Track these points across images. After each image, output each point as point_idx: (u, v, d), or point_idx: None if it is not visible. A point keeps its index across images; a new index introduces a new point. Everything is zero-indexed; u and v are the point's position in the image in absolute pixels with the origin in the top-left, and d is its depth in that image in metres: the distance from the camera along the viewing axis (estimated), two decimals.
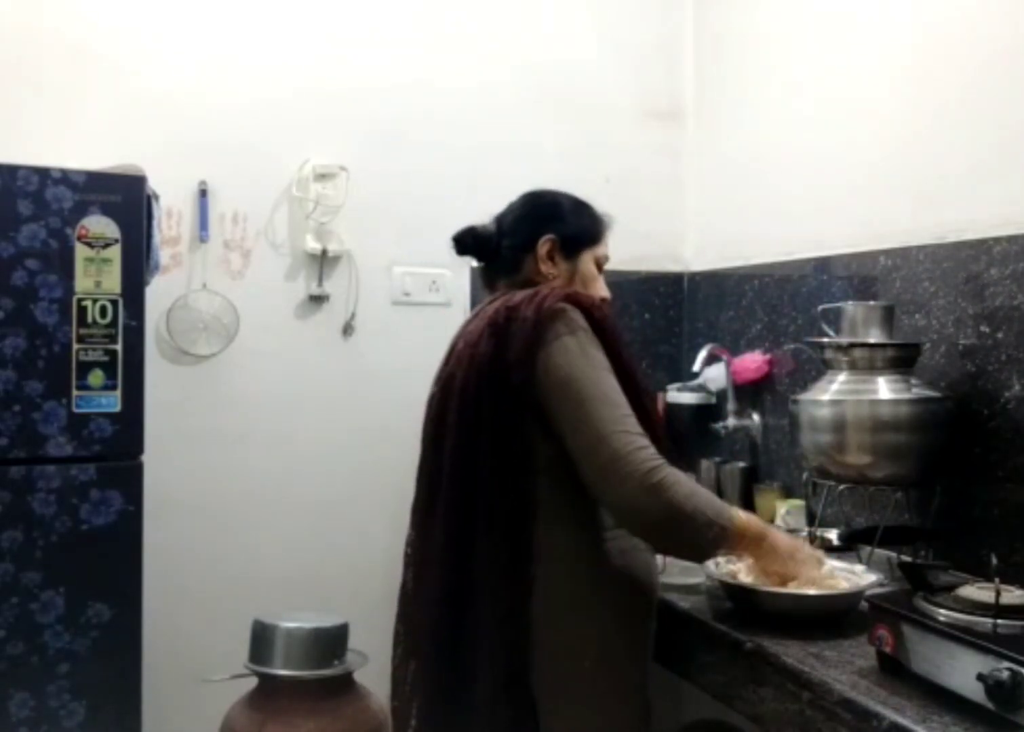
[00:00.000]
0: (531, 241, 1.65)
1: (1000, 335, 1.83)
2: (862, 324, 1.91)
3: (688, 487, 1.41)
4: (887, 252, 2.11)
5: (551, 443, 1.46)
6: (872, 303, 2.01)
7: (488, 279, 1.73)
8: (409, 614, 1.62)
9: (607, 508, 1.47)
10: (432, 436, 1.60)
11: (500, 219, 1.72)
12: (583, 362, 1.45)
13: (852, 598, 1.58)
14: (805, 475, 2.04)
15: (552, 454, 1.46)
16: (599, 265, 1.71)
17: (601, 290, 1.69)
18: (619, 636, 1.51)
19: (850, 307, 1.96)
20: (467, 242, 1.71)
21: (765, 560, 1.55)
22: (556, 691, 1.46)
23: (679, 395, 2.71)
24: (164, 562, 2.32)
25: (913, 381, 1.86)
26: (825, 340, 1.96)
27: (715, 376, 2.61)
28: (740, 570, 1.64)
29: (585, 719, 1.48)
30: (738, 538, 1.47)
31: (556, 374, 1.44)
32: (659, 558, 1.77)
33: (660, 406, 2.78)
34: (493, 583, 1.45)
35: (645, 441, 1.41)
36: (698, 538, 1.43)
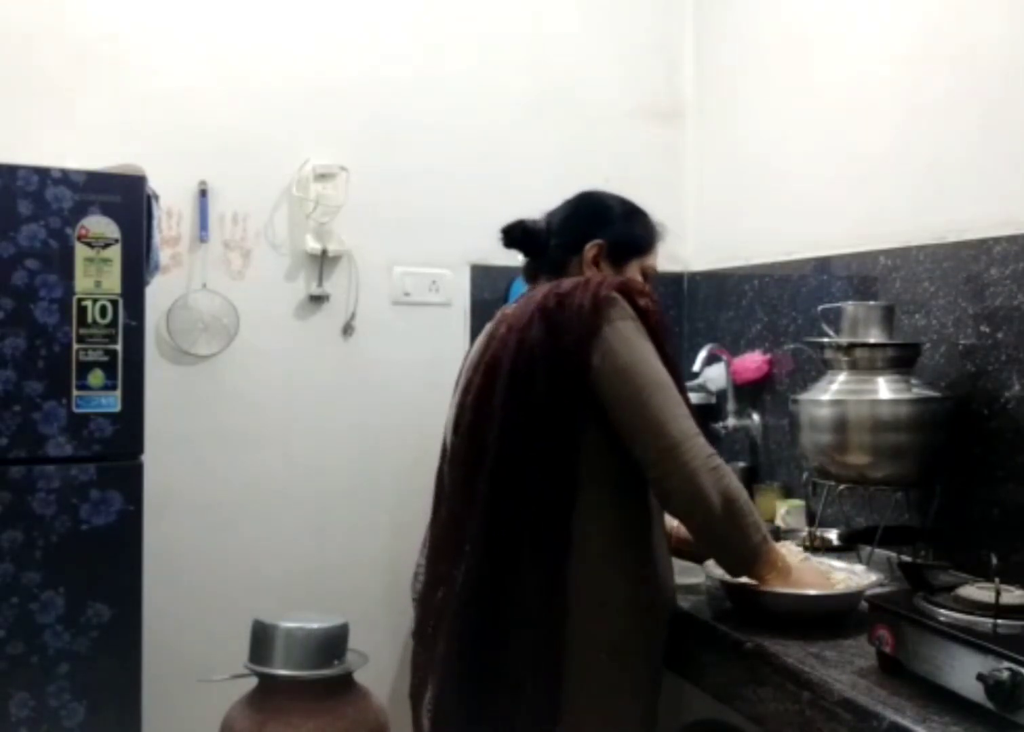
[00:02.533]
0: (579, 243, 1.64)
1: (1000, 335, 1.83)
2: (862, 324, 1.91)
3: (740, 484, 1.46)
4: (887, 252, 2.11)
5: (597, 434, 1.46)
6: (872, 303, 2.01)
7: (530, 273, 1.72)
8: (438, 598, 1.58)
9: (666, 494, 1.46)
10: (473, 421, 1.55)
11: (551, 216, 1.71)
12: (640, 348, 1.46)
13: (852, 598, 1.58)
14: (805, 475, 2.04)
15: (594, 447, 1.47)
16: (646, 276, 1.69)
17: None
18: (634, 636, 1.52)
19: (850, 307, 1.96)
20: (515, 235, 1.70)
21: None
22: (577, 685, 1.46)
23: None
24: (164, 562, 2.32)
25: (913, 381, 1.86)
26: (825, 340, 1.96)
27: (715, 376, 2.61)
28: None
29: (602, 715, 1.48)
30: (775, 558, 1.49)
31: (614, 361, 1.45)
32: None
33: None
34: (534, 573, 1.45)
35: (698, 429, 1.45)
36: (745, 537, 1.46)
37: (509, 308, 1.63)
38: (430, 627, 1.60)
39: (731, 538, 1.47)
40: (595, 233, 1.65)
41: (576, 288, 1.50)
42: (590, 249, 1.64)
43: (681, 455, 1.41)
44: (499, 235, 1.71)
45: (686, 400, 1.50)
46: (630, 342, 1.46)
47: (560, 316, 1.47)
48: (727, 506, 1.42)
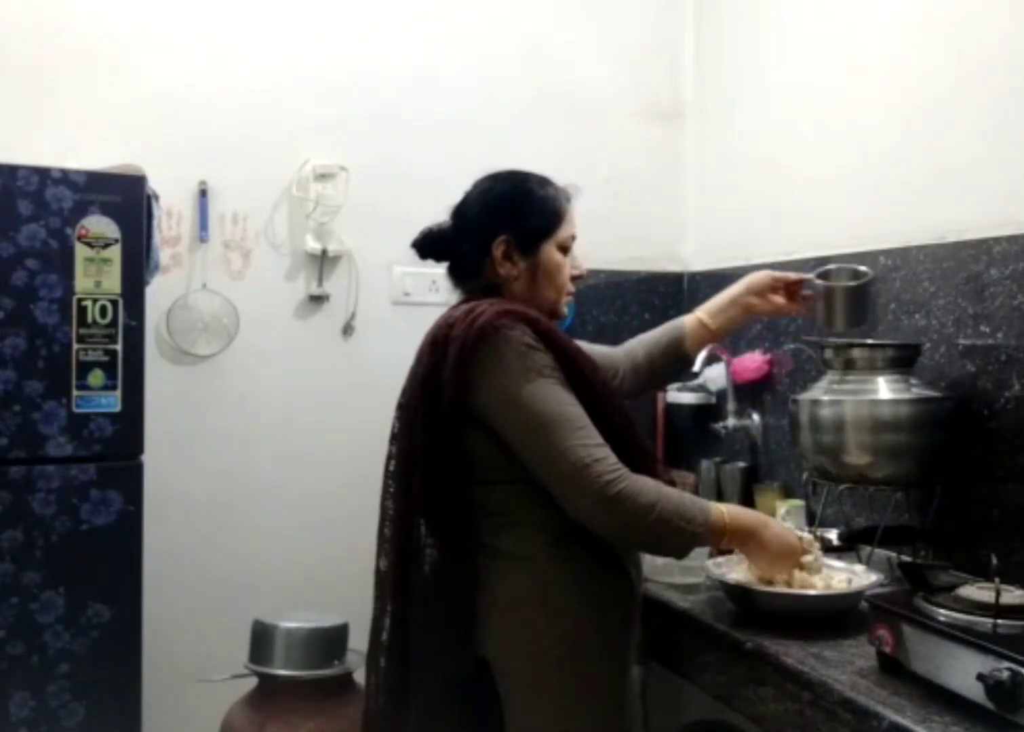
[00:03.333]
0: (486, 244, 1.57)
1: (1000, 335, 1.83)
2: None
3: (651, 496, 1.39)
4: (887, 252, 2.11)
5: (507, 453, 1.45)
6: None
7: (454, 281, 1.66)
8: (380, 619, 1.62)
9: (577, 517, 1.45)
10: (387, 454, 1.63)
11: (455, 216, 1.65)
12: (525, 380, 1.42)
13: (852, 598, 1.58)
14: (805, 475, 2.04)
15: (508, 463, 1.46)
16: (564, 248, 1.61)
17: (569, 276, 1.62)
18: (590, 636, 1.48)
19: None
20: (425, 247, 1.65)
21: (750, 559, 1.57)
22: (519, 688, 1.46)
23: (679, 395, 2.71)
24: (164, 562, 2.32)
25: (913, 381, 1.86)
26: (825, 340, 1.96)
27: (715, 376, 2.61)
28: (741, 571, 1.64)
29: (551, 717, 1.46)
30: (717, 538, 1.48)
31: (498, 395, 1.43)
32: (659, 561, 1.78)
33: (660, 406, 2.78)
34: (439, 589, 1.48)
35: (602, 452, 1.40)
36: (667, 543, 1.45)
37: (428, 332, 1.60)
38: (378, 647, 1.61)
39: (652, 548, 1.51)
40: (499, 228, 1.57)
41: (457, 320, 1.48)
42: (497, 247, 1.56)
43: (570, 489, 1.40)
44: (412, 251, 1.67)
45: (606, 415, 1.45)
46: (513, 374, 1.42)
47: (445, 349, 1.47)
48: (632, 529, 1.40)
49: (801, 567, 1.57)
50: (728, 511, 1.49)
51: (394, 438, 1.61)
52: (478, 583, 1.48)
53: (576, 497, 1.39)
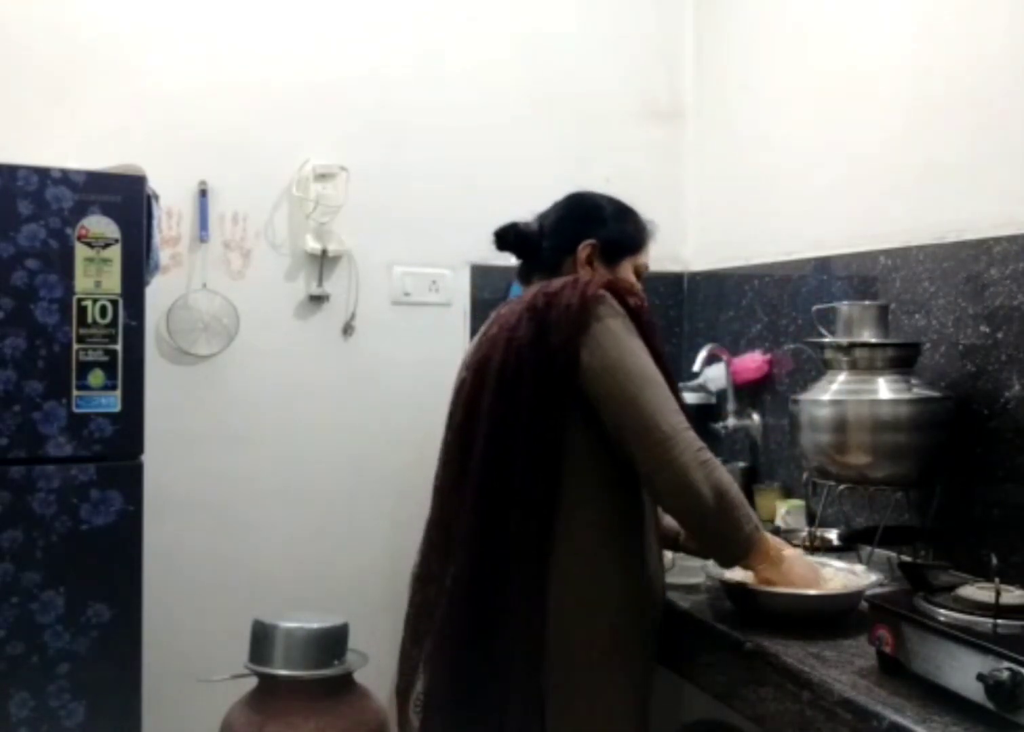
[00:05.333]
0: (572, 244, 1.65)
1: (1000, 335, 1.83)
2: (857, 324, 1.91)
3: (730, 476, 1.47)
4: (887, 252, 2.11)
5: (586, 432, 1.48)
6: (867, 303, 2.01)
7: (524, 275, 1.73)
8: (428, 595, 1.60)
9: (657, 488, 1.48)
10: (463, 420, 1.58)
11: (542, 218, 1.72)
12: (628, 345, 1.48)
13: (852, 598, 1.58)
14: (805, 475, 2.04)
15: (583, 444, 1.48)
16: (638, 274, 1.71)
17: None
18: (626, 632, 1.52)
19: (845, 307, 1.96)
20: (508, 238, 1.71)
21: (784, 578, 1.56)
22: (562, 681, 1.47)
23: None
24: (164, 562, 2.32)
25: (913, 381, 1.86)
26: (825, 340, 1.96)
27: (715, 376, 2.61)
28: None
29: (586, 711, 1.49)
30: (764, 550, 1.50)
31: (603, 358, 1.46)
32: (668, 555, 1.78)
33: None
34: (520, 570, 1.46)
35: (689, 423, 1.47)
36: (737, 528, 1.47)
37: (503, 308, 1.64)
38: (420, 625, 1.61)
39: (723, 530, 1.48)
40: (587, 233, 1.66)
41: (564, 287, 1.51)
42: (583, 249, 1.65)
43: (671, 449, 1.42)
44: (492, 238, 1.72)
45: (676, 396, 1.51)
46: (619, 339, 1.47)
47: (548, 315, 1.49)
48: (718, 499, 1.43)
49: None
50: (768, 534, 1.55)
51: (471, 412, 1.55)
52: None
53: (672, 459, 1.42)
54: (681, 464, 1.42)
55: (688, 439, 1.44)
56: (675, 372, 2.52)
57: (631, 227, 1.72)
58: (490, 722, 1.47)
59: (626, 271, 1.69)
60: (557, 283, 1.53)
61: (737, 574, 1.63)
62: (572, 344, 1.46)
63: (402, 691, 1.63)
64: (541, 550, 1.46)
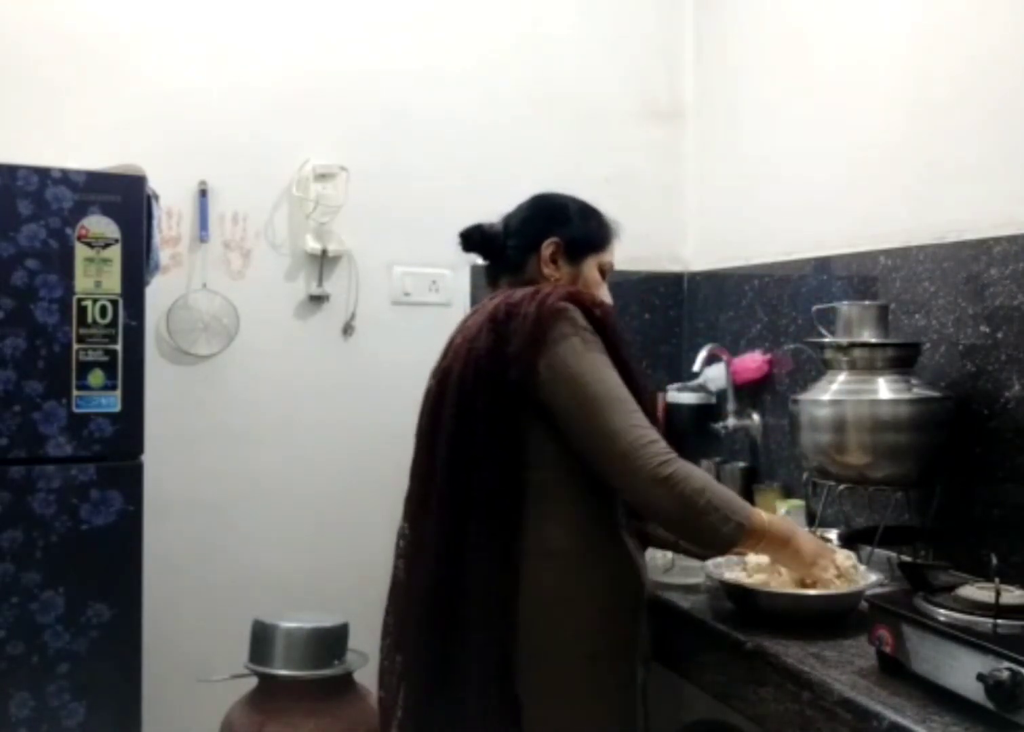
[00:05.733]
0: (536, 242, 1.65)
1: (1000, 335, 1.83)
2: (856, 324, 1.91)
3: (700, 482, 1.42)
4: (887, 252, 2.11)
5: (550, 440, 1.47)
6: (867, 303, 2.01)
7: (491, 277, 1.73)
8: (399, 605, 1.62)
9: (628, 501, 1.49)
10: (427, 429, 1.59)
11: (508, 219, 1.72)
12: (588, 360, 1.46)
13: (852, 598, 1.57)
14: (805, 475, 2.04)
15: (549, 451, 1.48)
16: (603, 272, 1.71)
17: (604, 297, 1.68)
18: (603, 635, 1.51)
19: (845, 307, 1.96)
20: (474, 239, 1.72)
21: (787, 564, 1.57)
22: (539, 686, 1.46)
23: (679, 395, 2.71)
24: (164, 562, 2.32)
25: (913, 381, 1.86)
26: (825, 340, 1.96)
27: (715, 376, 2.61)
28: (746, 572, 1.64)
29: (565, 715, 1.48)
30: (757, 537, 1.49)
31: (562, 372, 1.45)
32: (668, 556, 1.78)
33: (660, 406, 2.78)
34: (484, 577, 1.46)
35: (656, 435, 1.44)
36: (713, 532, 1.44)
37: (469, 318, 1.65)
38: (394, 633, 1.62)
39: (700, 534, 1.48)
40: (551, 231, 1.65)
41: (525, 298, 1.50)
42: (547, 247, 1.64)
43: (629, 466, 1.41)
44: (457, 240, 1.72)
45: (646, 406, 1.49)
46: (577, 354, 1.46)
47: (507, 326, 1.48)
48: (686, 511, 1.41)
49: (839, 574, 1.58)
50: (766, 514, 1.53)
51: (434, 422, 1.56)
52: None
53: (630, 477, 1.41)
54: (639, 481, 1.40)
55: (646, 456, 1.40)
56: (675, 373, 2.52)
57: (595, 225, 1.70)
58: None
59: (590, 269, 1.68)
60: (519, 293, 1.53)
61: (736, 574, 1.63)
62: (528, 355, 1.45)
63: (382, 700, 1.62)
64: (506, 559, 1.46)
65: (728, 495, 1.47)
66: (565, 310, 1.48)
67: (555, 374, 1.45)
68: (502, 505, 1.47)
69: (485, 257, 1.73)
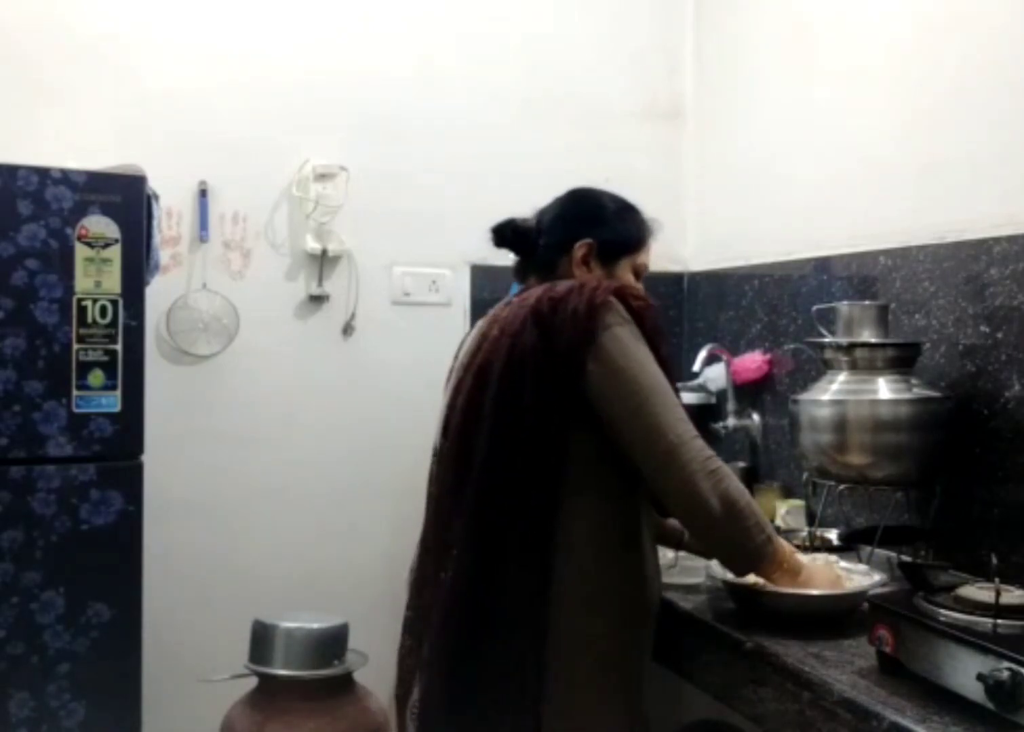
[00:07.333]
0: (568, 242, 1.63)
1: (1000, 335, 1.83)
2: (857, 324, 1.91)
3: (741, 485, 1.45)
4: (887, 252, 2.11)
5: (589, 438, 1.46)
6: (867, 303, 2.01)
7: (521, 273, 1.71)
8: (425, 600, 1.59)
9: (665, 497, 1.48)
10: (461, 424, 1.55)
11: (541, 214, 1.70)
12: (635, 353, 1.46)
13: (853, 598, 1.57)
14: (805, 475, 2.04)
15: (585, 451, 1.47)
16: (637, 274, 1.68)
17: None
18: (622, 634, 1.52)
19: (845, 307, 1.96)
20: (505, 234, 1.69)
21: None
22: (559, 682, 1.46)
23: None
24: (164, 562, 2.32)
25: (913, 381, 1.86)
26: (825, 340, 1.96)
27: (715, 376, 2.61)
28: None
29: (582, 713, 1.48)
30: (779, 560, 1.49)
31: (611, 365, 1.44)
32: (669, 554, 1.77)
33: None
34: (519, 572, 1.45)
35: (696, 431, 1.45)
36: (747, 538, 1.45)
37: (502, 310, 1.62)
38: (416, 629, 1.61)
39: (733, 540, 1.46)
40: (585, 232, 1.63)
41: (571, 292, 1.48)
42: (579, 248, 1.62)
43: (678, 458, 1.41)
44: (489, 234, 1.70)
45: (682, 403, 1.50)
46: (626, 347, 1.46)
47: (554, 320, 1.46)
48: (727, 509, 1.42)
49: None
50: (785, 542, 1.54)
51: (470, 416, 1.53)
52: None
53: (679, 469, 1.41)
54: (687, 474, 1.41)
55: (696, 448, 1.42)
56: (676, 372, 2.52)
57: (631, 226, 1.68)
58: (486, 730, 1.46)
59: (624, 271, 1.66)
60: (563, 287, 1.51)
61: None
62: (578, 351, 1.44)
63: (400, 697, 1.62)
64: (541, 557, 1.45)
65: (759, 509, 1.48)
66: (611, 304, 1.47)
67: (603, 368, 1.44)
68: (541, 502, 1.46)
69: (516, 253, 1.71)
